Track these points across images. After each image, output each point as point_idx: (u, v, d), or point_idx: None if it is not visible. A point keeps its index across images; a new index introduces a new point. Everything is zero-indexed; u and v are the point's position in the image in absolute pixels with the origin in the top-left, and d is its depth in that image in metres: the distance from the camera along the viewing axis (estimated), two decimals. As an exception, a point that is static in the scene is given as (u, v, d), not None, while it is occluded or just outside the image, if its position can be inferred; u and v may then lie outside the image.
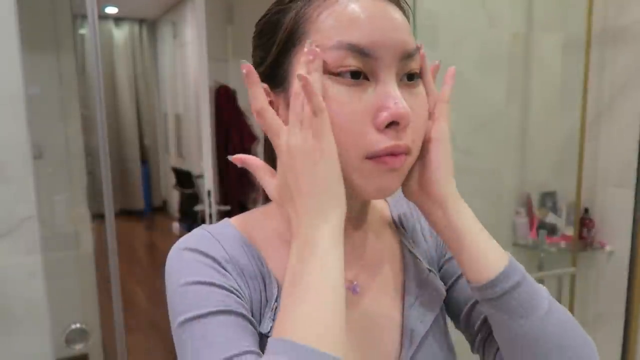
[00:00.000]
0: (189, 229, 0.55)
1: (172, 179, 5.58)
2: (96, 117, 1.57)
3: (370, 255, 0.58)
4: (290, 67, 0.48)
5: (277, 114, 0.50)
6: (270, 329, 0.48)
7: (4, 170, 1.44)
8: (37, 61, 2.01)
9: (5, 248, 1.46)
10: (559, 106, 2.05)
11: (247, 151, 3.59)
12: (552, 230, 2.04)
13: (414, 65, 0.48)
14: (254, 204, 3.58)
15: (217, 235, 0.52)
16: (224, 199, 3.62)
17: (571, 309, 2.06)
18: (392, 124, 0.45)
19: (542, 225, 2.04)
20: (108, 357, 2.17)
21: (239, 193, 3.64)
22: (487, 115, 1.85)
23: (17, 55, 1.43)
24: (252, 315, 0.49)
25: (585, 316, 2.06)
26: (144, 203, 6.49)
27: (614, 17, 1.92)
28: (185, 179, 5.23)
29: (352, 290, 0.55)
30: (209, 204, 2.04)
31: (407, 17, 0.51)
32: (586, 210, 2.02)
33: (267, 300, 0.50)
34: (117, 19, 6.42)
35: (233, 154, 0.52)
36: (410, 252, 0.60)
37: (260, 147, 3.60)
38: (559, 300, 2.18)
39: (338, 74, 0.45)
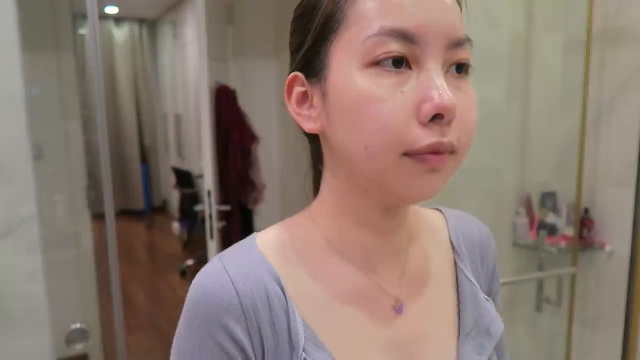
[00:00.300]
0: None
1: (172, 179, 5.58)
2: (96, 117, 1.57)
3: (417, 271, 0.53)
4: (328, 56, 0.44)
5: (311, 106, 0.47)
6: None
7: (4, 170, 1.44)
8: (37, 61, 2.01)
9: (5, 248, 1.46)
10: (559, 106, 2.05)
11: (247, 151, 3.59)
12: (552, 230, 2.04)
13: (464, 55, 0.43)
14: (254, 203, 3.58)
15: (234, 273, 0.46)
16: (224, 199, 3.62)
17: (571, 309, 2.06)
18: (436, 117, 0.40)
19: (542, 225, 2.04)
20: (108, 357, 2.17)
21: (239, 193, 3.64)
22: (487, 115, 1.85)
23: (17, 55, 1.43)
24: None
25: (585, 316, 2.06)
26: (144, 203, 6.49)
27: (614, 17, 1.92)
28: (185, 179, 5.23)
29: (397, 310, 0.50)
30: (209, 204, 2.04)
31: (459, 3, 0.46)
32: (586, 210, 2.02)
33: (291, 348, 0.45)
34: (117, 19, 6.42)
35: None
36: (467, 277, 0.55)
37: (260, 147, 3.60)
38: (559, 300, 2.16)
39: (378, 63, 0.41)
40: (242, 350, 0.44)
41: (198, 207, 2.65)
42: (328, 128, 0.46)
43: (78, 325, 1.79)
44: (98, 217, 1.94)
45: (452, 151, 0.42)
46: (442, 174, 0.43)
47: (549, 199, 2.09)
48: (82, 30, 4.44)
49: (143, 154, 6.72)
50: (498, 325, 0.54)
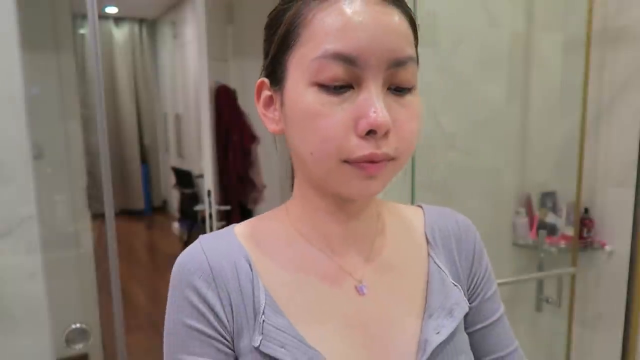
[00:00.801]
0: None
1: (172, 179, 5.58)
2: (96, 117, 1.57)
3: (383, 258, 0.57)
4: (286, 68, 0.49)
5: (275, 109, 0.52)
6: (260, 342, 0.49)
7: (4, 170, 1.44)
8: (37, 61, 2.01)
9: (5, 248, 1.46)
10: (559, 106, 2.05)
11: (247, 151, 3.59)
12: (552, 230, 2.04)
13: (405, 76, 0.47)
14: (254, 203, 3.58)
15: (209, 249, 0.53)
16: (224, 199, 3.62)
17: (571, 309, 2.06)
18: (372, 132, 0.45)
19: (542, 225, 2.04)
20: (108, 357, 2.17)
21: (239, 193, 3.64)
22: (487, 115, 1.85)
23: (17, 55, 1.43)
24: (237, 331, 0.51)
25: (585, 316, 2.06)
26: (144, 203, 6.50)
27: (614, 17, 1.92)
28: (185, 179, 5.23)
29: (359, 290, 0.54)
30: (209, 204, 2.04)
31: (412, 24, 0.49)
32: (586, 210, 2.02)
33: (254, 314, 0.51)
34: (117, 19, 6.42)
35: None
36: (437, 265, 0.59)
37: (260, 147, 3.60)
38: (559, 300, 2.16)
39: (322, 85, 0.45)
40: (212, 309, 0.50)
41: (198, 207, 2.64)
42: (286, 131, 0.51)
43: (78, 325, 1.79)
44: (98, 217, 1.94)
45: (390, 159, 0.47)
46: (380, 179, 0.48)
47: (549, 199, 2.09)
48: (82, 30, 4.44)
49: (143, 154, 6.72)
50: (462, 308, 0.57)
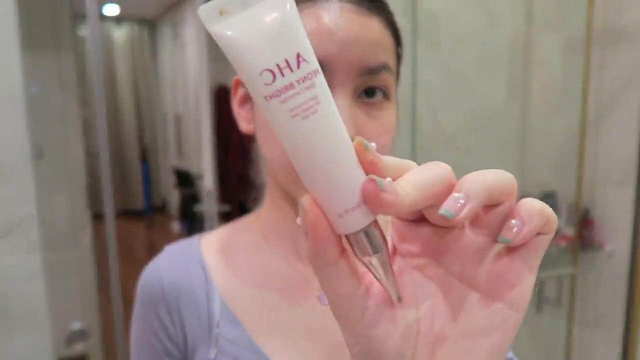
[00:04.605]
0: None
1: (172, 179, 5.58)
2: (96, 117, 1.57)
3: None
4: None
5: (250, 108, 0.52)
6: (215, 356, 0.49)
7: (4, 170, 1.44)
8: (37, 61, 2.00)
9: (5, 248, 1.46)
10: (559, 106, 2.05)
11: (247, 151, 3.58)
12: (552, 230, 2.04)
13: (377, 82, 0.46)
14: (254, 203, 3.58)
15: (167, 263, 0.54)
16: (224, 199, 3.62)
17: (571, 309, 2.06)
18: None
19: (542, 225, 2.03)
20: (108, 357, 2.17)
21: (239, 193, 3.64)
22: (487, 115, 1.85)
23: (17, 55, 1.43)
24: (192, 344, 0.51)
25: (585, 316, 2.06)
26: (144, 203, 6.49)
27: (614, 17, 1.92)
28: (185, 179, 5.23)
29: (320, 298, 0.52)
30: (209, 204, 2.04)
31: (395, 32, 0.48)
32: (586, 210, 2.02)
33: (209, 326, 0.51)
34: (117, 19, 6.42)
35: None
36: None
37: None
38: (559, 301, 2.15)
39: None
40: (163, 325, 0.52)
41: (198, 207, 2.65)
42: (256, 132, 0.51)
43: (78, 325, 1.79)
44: (98, 217, 1.94)
45: None
46: None
47: (549, 199, 2.09)
48: (82, 31, 4.44)
49: (143, 153, 6.72)
50: None
